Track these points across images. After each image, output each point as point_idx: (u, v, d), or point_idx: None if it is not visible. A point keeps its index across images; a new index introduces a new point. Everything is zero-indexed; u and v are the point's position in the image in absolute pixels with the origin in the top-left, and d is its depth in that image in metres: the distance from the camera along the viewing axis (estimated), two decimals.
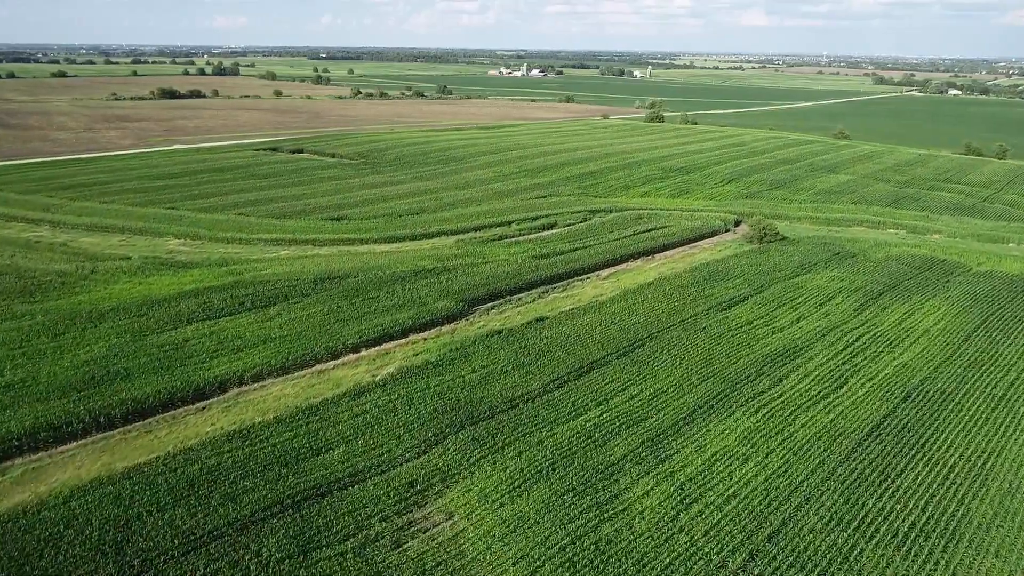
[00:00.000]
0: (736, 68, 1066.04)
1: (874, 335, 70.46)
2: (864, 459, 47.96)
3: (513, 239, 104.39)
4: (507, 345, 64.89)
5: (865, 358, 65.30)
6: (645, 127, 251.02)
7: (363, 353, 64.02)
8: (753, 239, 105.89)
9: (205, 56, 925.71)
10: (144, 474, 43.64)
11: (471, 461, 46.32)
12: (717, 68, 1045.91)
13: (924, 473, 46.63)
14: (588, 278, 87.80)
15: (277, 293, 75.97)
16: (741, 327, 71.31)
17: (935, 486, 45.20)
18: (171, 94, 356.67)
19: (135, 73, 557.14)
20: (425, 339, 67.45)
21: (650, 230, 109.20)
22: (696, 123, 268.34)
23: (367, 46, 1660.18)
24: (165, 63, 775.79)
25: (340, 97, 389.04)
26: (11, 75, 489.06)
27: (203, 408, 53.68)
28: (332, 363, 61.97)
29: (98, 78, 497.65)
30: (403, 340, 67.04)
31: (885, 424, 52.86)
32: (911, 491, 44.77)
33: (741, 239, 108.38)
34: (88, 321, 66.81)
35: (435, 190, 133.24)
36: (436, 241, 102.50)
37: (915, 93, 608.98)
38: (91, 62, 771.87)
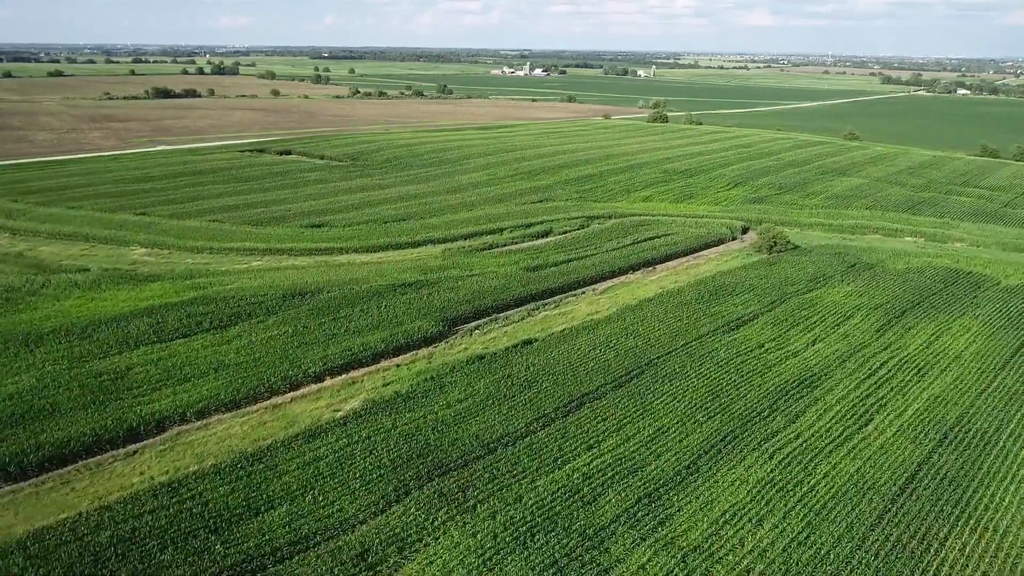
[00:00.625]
0: (741, 68, 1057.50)
1: (900, 361, 63.21)
2: (899, 522, 40.79)
3: (504, 248, 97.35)
4: (489, 373, 57.84)
5: (891, 389, 58.10)
6: (648, 128, 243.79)
7: (327, 383, 57.05)
8: (762, 248, 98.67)
9: (207, 56, 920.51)
10: (43, 544, 36.70)
11: (436, 524, 39.30)
12: (722, 68, 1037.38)
13: (972, 541, 39.44)
14: (583, 293, 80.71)
15: (240, 311, 69.07)
16: (751, 351, 64.16)
17: (986, 559, 38.02)
18: (165, 93, 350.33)
19: (133, 72, 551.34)
20: (398, 365, 60.44)
21: (651, 238, 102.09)
22: (701, 123, 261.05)
23: (370, 46, 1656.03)
24: (166, 62, 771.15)
25: (338, 97, 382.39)
26: (7, 75, 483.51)
27: (134, 453, 46.74)
28: (290, 395, 55.00)
29: (95, 77, 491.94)
30: (373, 367, 60.05)
31: (920, 475, 45.66)
32: (957, 566, 37.60)
33: (749, 248, 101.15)
34: (24, 345, 60.00)
35: (425, 194, 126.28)
36: (422, 250, 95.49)
37: (923, 93, 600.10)
38: (92, 61, 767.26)
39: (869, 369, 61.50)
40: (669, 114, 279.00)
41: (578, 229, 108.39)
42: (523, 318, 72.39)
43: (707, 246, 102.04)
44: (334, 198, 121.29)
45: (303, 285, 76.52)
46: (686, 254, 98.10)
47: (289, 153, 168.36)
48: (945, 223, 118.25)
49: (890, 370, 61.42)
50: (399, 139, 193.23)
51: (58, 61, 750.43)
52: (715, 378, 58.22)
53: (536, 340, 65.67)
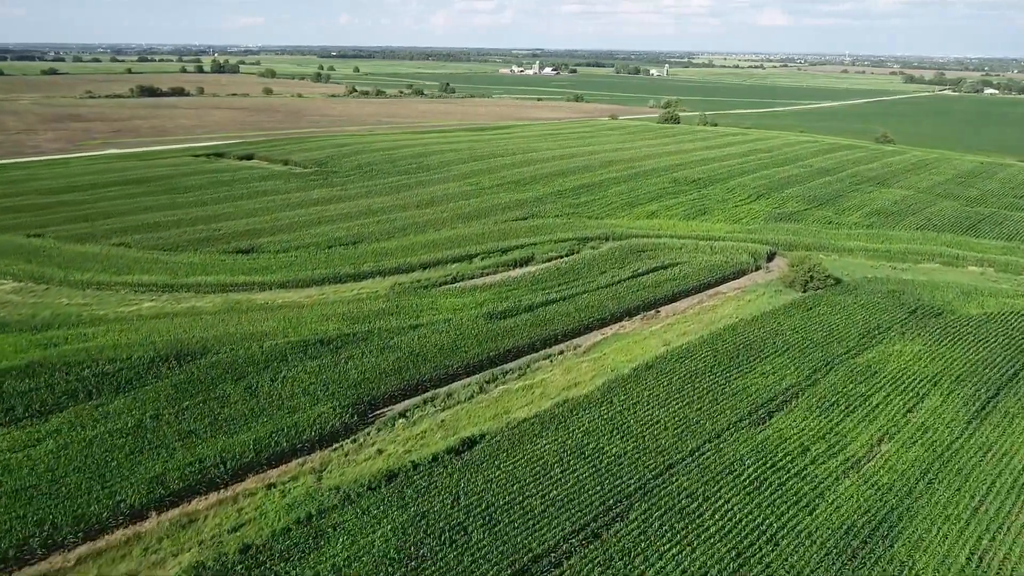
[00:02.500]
0: (756, 67, 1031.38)
1: (1013, 481, 43.04)
2: None
3: (470, 282, 77.81)
4: (396, 510, 38.27)
5: (1011, 534, 38.02)
6: (658, 129, 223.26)
7: (148, 524, 37.73)
8: (795, 284, 78.45)
9: (215, 55, 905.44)
10: None
11: None
12: (737, 67, 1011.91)
13: None
14: (562, 352, 60.91)
15: (80, 386, 50.00)
16: (791, 459, 44.25)
17: None
18: (151, 92, 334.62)
19: (130, 71, 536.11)
20: (270, 486, 41.00)
21: (656, 269, 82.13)
22: (716, 124, 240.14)
23: (383, 45, 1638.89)
24: (172, 61, 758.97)
25: (334, 95, 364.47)
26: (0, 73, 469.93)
27: None
28: (80, 550, 35.71)
29: (89, 75, 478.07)
30: (231, 489, 40.67)
31: None
32: None
33: (778, 282, 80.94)
34: None
35: (388, 209, 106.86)
36: (365, 286, 76.06)
37: (949, 92, 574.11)
38: (97, 60, 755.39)
39: (970, 494, 41.41)
40: (681, 114, 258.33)
41: (566, 255, 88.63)
42: (473, 396, 52.73)
43: (725, 279, 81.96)
44: (279, 214, 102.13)
45: (186, 343, 57.31)
46: (699, 290, 78.10)
47: (251, 158, 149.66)
48: (1015, 247, 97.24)
49: (1002, 499, 41.28)
50: (380, 141, 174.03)
51: (63, 59, 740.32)
52: (740, 519, 38.34)
53: (484, 437, 46.00)
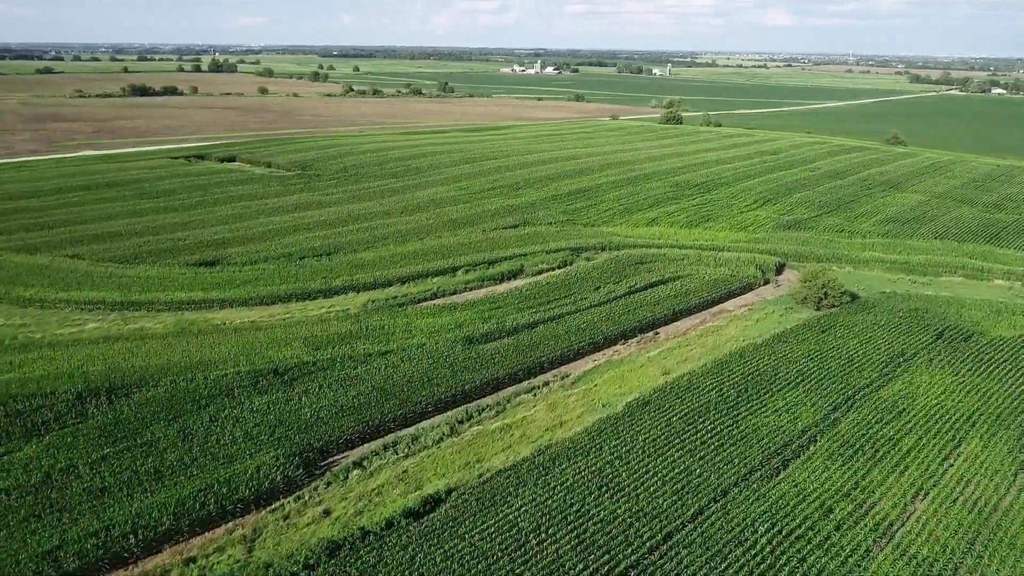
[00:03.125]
0: (760, 67, 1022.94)
1: None
2: None
3: (451, 299, 71.09)
4: None
5: None
6: (660, 130, 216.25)
7: None
8: (808, 301, 71.56)
9: (216, 54, 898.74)
10: None
11: None
12: (740, 66, 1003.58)
13: None
14: (547, 384, 54.09)
15: None
16: (811, 523, 37.42)
17: None
18: (143, 91, 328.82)
19: (126, 70, 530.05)
20: (186, 564, 34.20)
21: (655, 284, 75.32)
22: (720, 125, 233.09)
23: (385, 45, 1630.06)
24: (172, 60, 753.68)
25: (329, 95, 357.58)
26: None
27: None
28: None
29: (84, 74, 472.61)
30: (134, 569, 33.85)
31: None
32: None
33: (789, 299, 74.07)
34: None
35: (370, 216, 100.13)
36: (335, 303, 69.31)
37: (955, 92, 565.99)
38: (96, 59, 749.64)
39: None
40: (684, 114, 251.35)
41: (558, 268, 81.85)
42: (442, 438, 45.95)
43: (731, 294, 75.06)
44: (252, 221, 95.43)
45: (122, 374, 50.62)
46: (702, 308, 71.23)
47: (232, 160, 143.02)
48: None
49: None
50: (370, 143, 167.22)
51: (62, 59, 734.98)
52: None
53: (451, 494, 39.24)
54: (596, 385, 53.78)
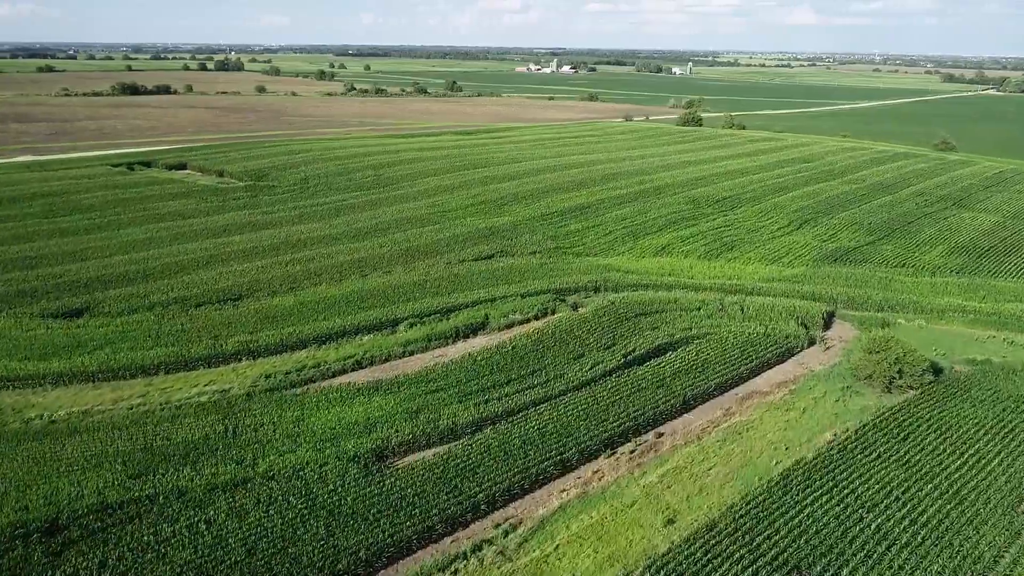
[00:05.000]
0: (784, 66, 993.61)
1: None
2: None
3: (379, 370, 51.87)
4: None
5: None
6: (676, 133, 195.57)
7: None
8: (873, 379, 51.30)
9: (232, 53, 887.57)
10: None
11: None
12: (763, 66, 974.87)
13: None
14: (479, 551, 34.32)
15: None
16: None
17: None
18: (134, 90, 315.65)
19: (130, 68, 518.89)
20: None
21: (660, 349, 55.52)
22: (743, 128, 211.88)
23: (406, 44, 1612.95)
24: (186, 59, 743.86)
25: (329, 94, 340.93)
26: None
27: None
28: None
29: (83, 73, 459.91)
30: None
31: None
32: None
33: (844, 371, 53.81)
34: None
35: (312, 241, 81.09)
36: (218, 376, 50.23)
37: (992, 92, 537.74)
38: (110, 58, 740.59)
39: None
40: (704, 115, 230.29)
41: (535, 318, 62.37)
42: None
43: (764, 365, 55.02)
44: (162, 249, 76.78)
45: None
46: (724, 388, 51.31)
47: (184, 167, 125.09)
48: None
49: None
50: (346, 148, 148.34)
51: (74, 57, 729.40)
52: None
53: None
54: (558, 549, 34.07)
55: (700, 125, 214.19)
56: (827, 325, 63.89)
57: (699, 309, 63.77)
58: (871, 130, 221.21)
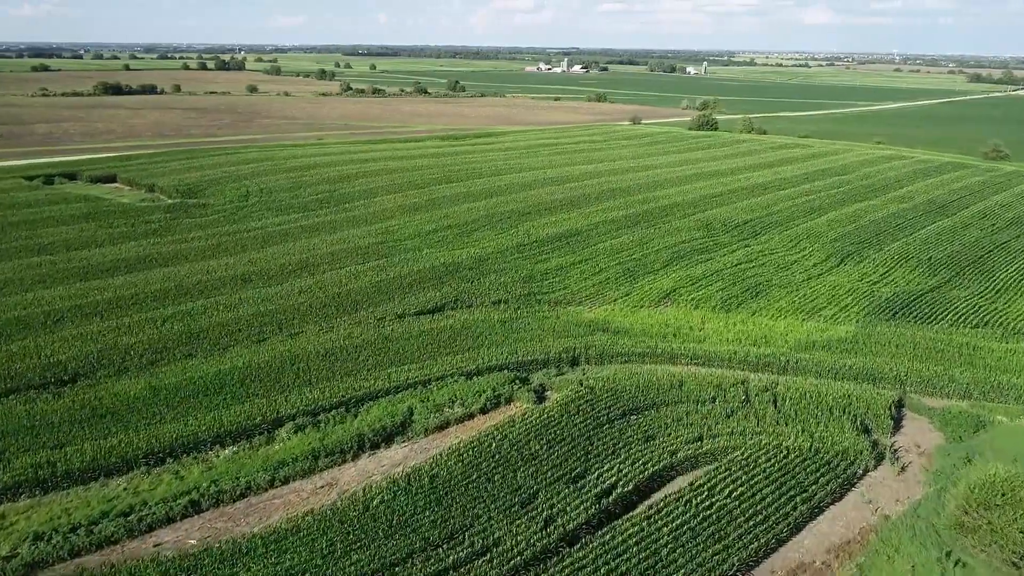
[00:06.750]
0: (802, 65, 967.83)
1: None
2: None
3: (218, 514, 33.59)
4: None
5: None
6: (689, 138, 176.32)
7: None
8: (989, 547, 32.34)
9: (242, 52, 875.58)
10: None
11: None
12: (780, 65, 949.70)
13: None
14: None
15: None
16: None
17: None
18: (117, 89, 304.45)
19: (127, 67, 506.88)
20: None
21: (655, 480, 36.87)
22: (764, 132, 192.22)
23: (419, 44, 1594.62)
24: (192, 58, 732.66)
25: (324, 94, 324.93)
26: None
27: None
28: None
29: (75, 72, 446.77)
30: None
31: None
32: None
33: (934, 514, 34.88)
34: None
35: (212, 287, 62.92)
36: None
37: (1022, 92, 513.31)
38: (116, 57, 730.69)
39: None
40: (720, 118, 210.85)
41: (479, 413, 44.03)
42: None
43: (813, 510, 36.12)
44: (14, 298, 58.95)
45: None
46: (750, 564, 32.48)
47: (113, 180, 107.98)
48: None
49: None
50: (308, 156, 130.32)
51: (80, 57, 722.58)
52: None
53: None
54: None
55: (715, 129, 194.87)
56: (896, 424, 44.99)
57: (714, 400, 45.09)
58: (905, 135, 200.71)
